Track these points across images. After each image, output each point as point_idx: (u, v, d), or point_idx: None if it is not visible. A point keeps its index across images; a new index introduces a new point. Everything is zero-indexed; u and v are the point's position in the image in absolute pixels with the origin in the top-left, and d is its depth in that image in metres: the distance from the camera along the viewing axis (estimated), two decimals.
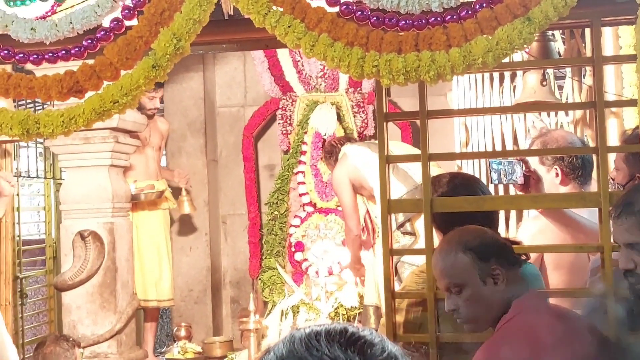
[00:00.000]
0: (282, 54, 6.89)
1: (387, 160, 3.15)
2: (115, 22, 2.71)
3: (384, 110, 3.15)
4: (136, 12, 2.69)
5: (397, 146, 5.69)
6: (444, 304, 2.52)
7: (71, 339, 4.39)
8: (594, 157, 3.09)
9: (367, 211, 6.08)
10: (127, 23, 2.71)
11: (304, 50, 2.63)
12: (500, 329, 2.39)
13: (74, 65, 2.73)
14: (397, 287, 3.18)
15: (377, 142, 3.18)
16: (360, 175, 5.70)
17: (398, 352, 1.24)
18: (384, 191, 3.12)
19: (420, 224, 5.41)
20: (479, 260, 2.44)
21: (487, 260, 2.45)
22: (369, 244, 6.07)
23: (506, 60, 2.85)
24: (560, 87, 5.74)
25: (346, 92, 6.87)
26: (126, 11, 2.69)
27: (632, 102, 3.01)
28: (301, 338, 1.23)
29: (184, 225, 7.09)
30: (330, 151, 6.09)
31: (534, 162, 3.61)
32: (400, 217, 5.29)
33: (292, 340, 1.23)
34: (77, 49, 2.70)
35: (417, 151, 3.34)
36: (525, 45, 2.59)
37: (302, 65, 6.89)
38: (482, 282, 2.43)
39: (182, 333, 6.52)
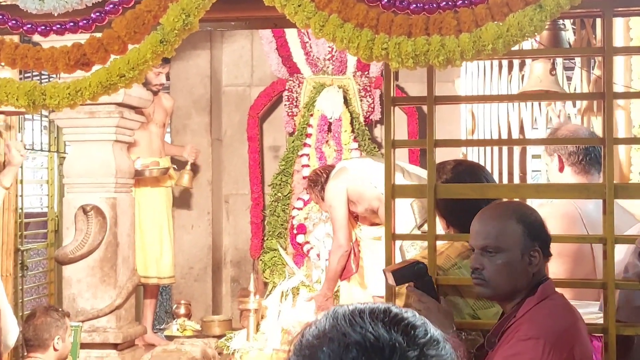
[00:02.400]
0: (291, 35, 6.86)
1: (393, 145, 3.14)
2: None
3: (392, 95, 3.14)
4: None
5: (408, 166, 5.49)
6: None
7: (60, 310, 4.39)
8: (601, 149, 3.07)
9: (356, 239, 5.82)
10: None
11: (314, 30, 2.61)
12: (536, 308, 2.44)
13: (82, 38, 2.71)
14: None
15: (376, 154, 3.16)
16: (360, 187, 5.44)
17: (440, 335, 1.23)
18: (388, 176, 3.11)
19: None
20: (527, 235, 2.48)
21: (534, 239, 2.49)
22: (350, 273, 5.78)
23: (516, 48, 2.84)
24: (569, 78, 5.72)
25: (353, 76, 6.84)
26: None
27: None
28: (345, 314, 1.22)
29: (187, 203, 7.09)
30: (315, 180, 5.75)
31: (542, 154, 3.61)
32: (419, 218, 5.20)
33: (335, 315, 1.23)
34: (85, 22, 2.69)
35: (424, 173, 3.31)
36: (536, 33, 2.57)
37: (310, 47, 6.87)
38: (521, 256, 2.47)
39: (182, 310, 6.53)
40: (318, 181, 5.72)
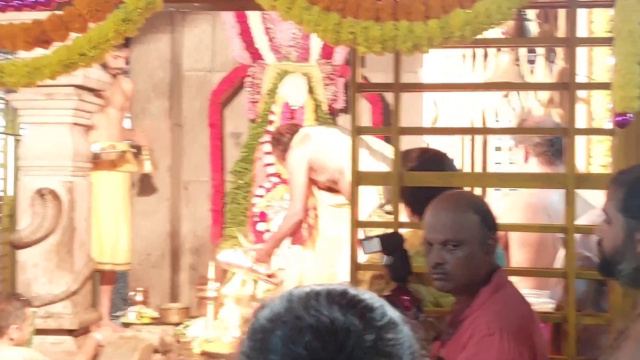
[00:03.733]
0: (254, 20, 6.79)
1: (358, 131, 3.12)
2: None
3: (358, 81, 3.11)
4: None
5: (372, 141, 5.49)
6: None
7: (23, 298, 4.31)
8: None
9: (314, 207, 5.80)
10: None
11: (280, 13, 2.58)
12: (493, 299, 2.44)
13: (42, 15, 2.64)
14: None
15: (341, 126, 3.14)
16: (323, 157, 5.46)
17: (398, 318, 1.20)
18: (354, 163, 3.10)
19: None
20: (484, 225, 2.46)
21: (490, 228, 2.48)
22: (302, 240, 5.80)
23: (481, 36, 2.83)
24: (532, 71, 5.74)
25: (317, 63, 6.80)
26: None
27: (603, 85, 3.01)
28: (300, 296, 1.19)
29: (145, 189, 7.00)
30: (278, 140, 5.75)
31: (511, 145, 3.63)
32: (383, 197, 5.21)
33: (290, 298, 1.19)
34: None
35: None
36: (503, 21, 2.57)
37: (274, 33, 6.81)
38: (479, 246, 2.45)
39: (139, 298, 6.45)
40: (281, 141, 5.73)
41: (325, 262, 5.54)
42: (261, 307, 1.21)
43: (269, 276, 5.87)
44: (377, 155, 5.06)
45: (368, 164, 4.88)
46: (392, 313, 1.20)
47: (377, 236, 2.72)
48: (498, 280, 2.49)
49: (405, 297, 2.60)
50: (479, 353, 2.35)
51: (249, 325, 1.20)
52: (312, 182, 5.63)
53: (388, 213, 5.12)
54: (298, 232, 5.77)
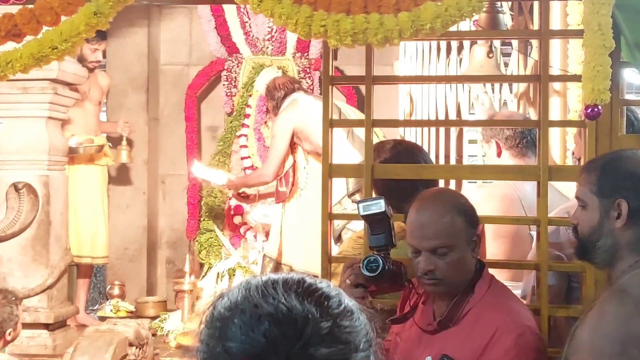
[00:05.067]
0: (230, 14, 6.79)
1: (330, 124, 3.13)
2: None
3: (330, 74, 3.12)
4: None
5: (344, 106, 5.56)
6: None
7: (13, 298, 4.26)
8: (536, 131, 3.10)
9: (294, 164, 5.81)
10: None
11: (252, 6, 2.58)
12: (491, 294, 2.47)
13: (13, 8, 2.63)
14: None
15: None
16: (309, 127, 5.48)
17: (354, 306, 1.23)
18: (326, 155, 3.10)
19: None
20: (469, 225, 2.47)
21: (474, 226, 2.49)
22: (283, 197, 5.84)
23: (454, 29, 2.85)
24: (506, 64, 5.78)
25: (293, 57, 6.81)
26: None
27: (576, 78, 3.02)
28: (257, 285, 1.21)
29: (122, 183, 6.98)
30: (272, 94, 5.77)
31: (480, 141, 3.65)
32: (352, 186, 5.23)
33: (247, 286, 1.22)
34: None
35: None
36: (474, 13, 2.58)
37: (250, 27, 6.81)
38: (467, 246, 2.46)
39: (116, 291, 6.44)
40: (274, 96, 5.78)
41: (305, 217, 5.60)
42: (219, 297, 1.22)
43: (240, 194, 6.14)
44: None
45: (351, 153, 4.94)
46: (349, 301, 1.22)
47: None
48: (487, 272, 2.54)
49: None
50: (520, 355, 2.36)
51: (208, 314, 1.21)
52: (296, 146, 5.71)
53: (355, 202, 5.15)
54: (281, 193, 5.86)
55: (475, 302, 2.46)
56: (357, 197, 5.10)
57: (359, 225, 4.59)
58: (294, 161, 5.77)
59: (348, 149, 5.19)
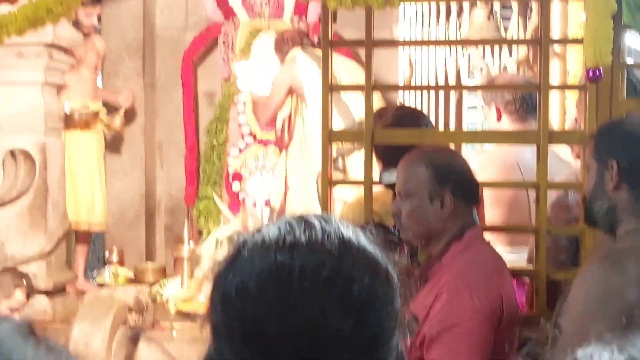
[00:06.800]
0: None
1: (330, 89, 3.10)
2: None
3: (329, 38, 3.09)
4: None
5: (347, 65, 5.49)
6: None
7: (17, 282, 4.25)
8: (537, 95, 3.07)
9: (290, 114, 5.88)
10: None
11: None
12: (461, 256, 2.49)
13: None
14: None
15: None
16: (301, 89, 5.57)
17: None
18: (325, 120, 3.08)
19: (351, 161, 5.39)
20: (435, 179, 2.50)
21: (443, 183, 2.51)
22: (281, 144, 5.96)
23: None
24: (506, 28, 5.74)
25: (291, 21, 6.73)
26: None
27: (577, 41, 3.00)
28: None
29: (119, 150, 6.95)
30: (281, 46, 5.90)
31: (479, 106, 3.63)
32: (334, 152, 5.21)
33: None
34: None
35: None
36: None
37: None
38: (430, 200, 2.50)
39: (114, 258, 6.44)
40: (283, 49, 5.86)
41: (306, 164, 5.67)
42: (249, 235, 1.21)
43: None
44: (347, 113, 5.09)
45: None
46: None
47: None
48: (469, 236, 2.53)
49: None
50: (451, 313, 2.38)
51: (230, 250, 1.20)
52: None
53: (336, 170, 5.16)
54: (279, 140, 6.03)
55: (445, 263, 2.50)
56: (340, 162, 5.13)
57: (344, 194, 4.73)
58: (290, 111, 5.85)
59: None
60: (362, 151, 3.07)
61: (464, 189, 2.55)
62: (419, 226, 2.53)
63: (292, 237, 1.14)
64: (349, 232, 1.17)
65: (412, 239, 2.60)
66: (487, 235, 2.81)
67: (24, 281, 4.16)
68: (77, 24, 5.84)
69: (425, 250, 2.68)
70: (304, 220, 1.17)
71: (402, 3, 2.63)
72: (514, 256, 3.34)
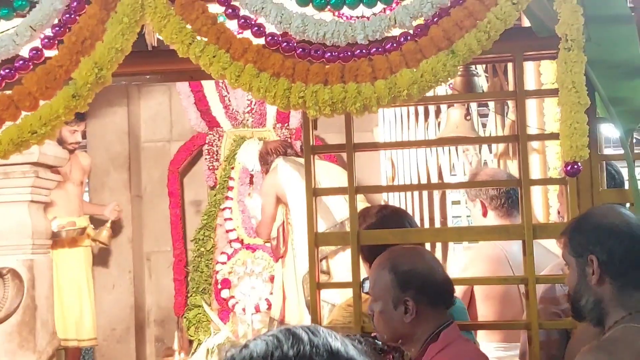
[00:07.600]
0: (209, 89, 6.84)
1: (314, 193, 3.13)
2: (34, 52, 2.64)
3: (311, 143, 3.14)
4: (56, 42, 2.62)
5: (327, 169, 5.62)
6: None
7: None
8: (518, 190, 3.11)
9: (284, 223, 5.98)
10: (46, 53, 2.64)
11: (229, 81, 2.60)
12: (439, 355, 2.45)
13: None
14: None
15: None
16: (286, 197, 5.76)
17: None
18: (310, 224, 3.10)
19: (335, 263, 5.43)
20: (397, 286, 2.50)
21: (405, 290, 2.50)
22: (277, 254, 6.04)
23: (431, 94, 2.88)
24: (484, 125, 5.83)
25: (274, 128, 6.85)
26: (46, 40, 2.62)
27: (554, 136, 3.05)
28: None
29: (107, 263, 6.93)
30: (265, 158, 6.10)
31: (464, 200, 3.67)
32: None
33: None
34: None
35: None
36: (449, 78, 2.61)
37: (229, 101, 6.86)
38: (394, 306, 2.50)
39: None
40: (267, 160, 6.07)
41: (300, 274, 5.69)
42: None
43: None
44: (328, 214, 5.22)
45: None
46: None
47: None
48: (446, 336, 2.51)
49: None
50: None
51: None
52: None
53: (321, 273, 5.23)
54: (276, 250, 6.09)
55: None
56: (324, 266, 5.22)
57: (331, 297, 4.74)
58: (283, 220, 5.93)
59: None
60: (346, 252, 3.09)
61: (429, 293, 2.52)
62: (386, 330, 2.53)
63: (280, 352, 1.14)
64: (337, 343, 1.17)
65: (387, 341, 2.58)
66: (480, 333, 2.81)
67: None
68: (61, 142, 5.92)
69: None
70: (292, 334, 1.17)
71: (380, 108, 2.69)
72: (507, 353, 3.32)
